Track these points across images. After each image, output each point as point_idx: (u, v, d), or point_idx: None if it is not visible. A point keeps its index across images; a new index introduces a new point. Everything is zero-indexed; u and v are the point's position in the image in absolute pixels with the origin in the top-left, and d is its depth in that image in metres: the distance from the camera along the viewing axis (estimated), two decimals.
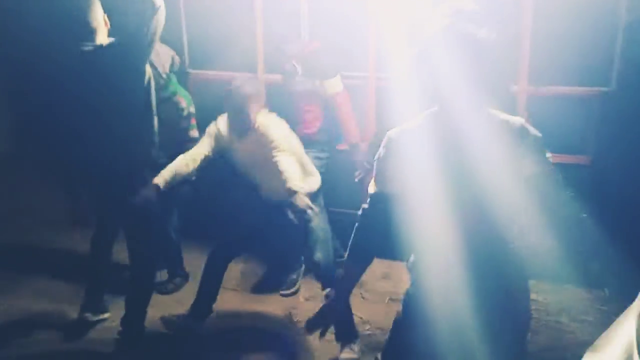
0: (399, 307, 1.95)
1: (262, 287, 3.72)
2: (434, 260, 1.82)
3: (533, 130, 1.70)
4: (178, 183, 3.02)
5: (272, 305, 3.49)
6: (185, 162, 3.00)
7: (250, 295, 3.64)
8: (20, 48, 4.54)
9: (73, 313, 3.29)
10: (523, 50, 3.52)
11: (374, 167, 1.88)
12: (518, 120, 1.73)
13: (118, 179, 2.87)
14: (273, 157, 2.89)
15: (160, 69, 3.31)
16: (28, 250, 4.16)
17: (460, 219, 1.71)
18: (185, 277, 3.71)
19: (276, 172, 2.86)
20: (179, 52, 3.89)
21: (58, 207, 4.70)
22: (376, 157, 1.88)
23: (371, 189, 1.87)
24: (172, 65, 3.43)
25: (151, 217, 2.98)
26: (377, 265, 3.57)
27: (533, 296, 3.45)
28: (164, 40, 3.45)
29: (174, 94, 3.43)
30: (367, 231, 1.87)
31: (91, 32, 2.73)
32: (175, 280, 3.67)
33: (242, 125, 2.99)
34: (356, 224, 1.89)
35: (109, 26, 2.83)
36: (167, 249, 3.64)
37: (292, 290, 3.63)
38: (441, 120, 1.75)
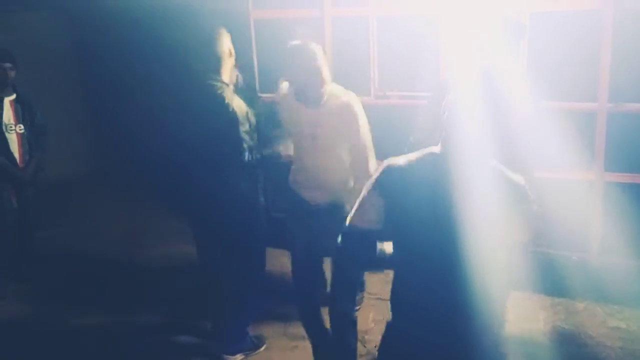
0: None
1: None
2: (412, 297, 1.78)
3: (532, 197, 1.69)
4: None
5: None
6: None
7: None
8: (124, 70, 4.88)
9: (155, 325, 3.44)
10: (602, 67, 3.38)
11: (362, 194, 1.85)
12: (521, 180, 1.70)
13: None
14: (349, 139, 2.63)
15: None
16: (111, 266, 4.37)
17: (438, 265, 1.69)
18: None
19: (338, 160, 2.71)
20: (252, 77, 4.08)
21: (138, 223, 4.95)
22: (366, 186, 1.85)
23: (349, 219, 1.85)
24: (236, 83, 3.59)
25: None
26: None
27: (616, 323, 3.33)
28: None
29: None
30: (346, 268, 1.92)
31: (217, 61, 2.89)
32: None
33: (312, 89, 2.65)
34: (334, 260, 1.90)
35: (233, 56, 2.97)
36: None
37: (358, 307, 3.57)
38: (442, 163, 1.70)
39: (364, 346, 3.27)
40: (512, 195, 1.67)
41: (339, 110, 2.65)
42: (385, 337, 1.88)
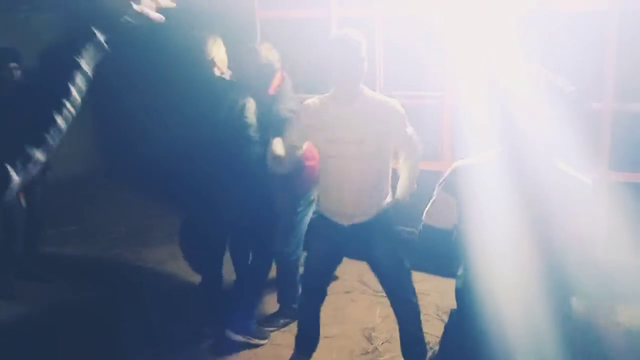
0: None
1: None
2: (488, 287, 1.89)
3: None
4: None
5: (348, 325, 3.49)
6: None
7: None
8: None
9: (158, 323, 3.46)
10: (608, 66, 3.41)
11: (435, 194, 2.00)
12: (585, 180, 1.83)
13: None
14: (395, 138, 2.54)
15: None
16: (115, 265, 4.40)
17: (515, 255, 1.81)
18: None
19: (382, 168, 2.58)
20: None
21: (143, 222, 4.97)
22: (439, 186, 1.99)
23: (427, 217, 2.02)
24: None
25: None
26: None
27: (620, 320, 3.34)
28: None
29: None
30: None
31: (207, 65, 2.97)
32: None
33: (353, 81, 2.44)
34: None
35: (217, 65, 3.02)
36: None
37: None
38: (509, 162, 1.83)
39: (371, 343, 3.29)
40: (578, 193, 1.80)
41: (383, 109, 2.53)
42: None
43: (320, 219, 2.78)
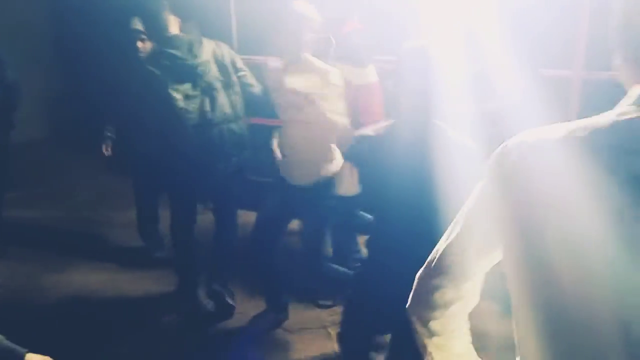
0: None
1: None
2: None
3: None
4: None
5: None
6: None
7: None
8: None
9: (126, 285, 3.44)
10: (580, 34, 3.42)
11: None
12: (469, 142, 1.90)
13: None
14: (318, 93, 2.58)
15: None
16: (77, 229, 4.33)
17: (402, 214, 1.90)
18: None
19: (314, 128, 2.64)
20: (228, 38, 3.98)
21: (109, 186, 4.88)
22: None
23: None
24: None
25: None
26: None
27: None
28: (212, 25, 3.52)
29: None
30: None
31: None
32: None
33: (293, 47, 2.64)
34: None
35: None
36: None
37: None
38: (396, 132, 1.96)
39: None
40: (459, 155, 1.84)
41: (325, 74, 2.62)
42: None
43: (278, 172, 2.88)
